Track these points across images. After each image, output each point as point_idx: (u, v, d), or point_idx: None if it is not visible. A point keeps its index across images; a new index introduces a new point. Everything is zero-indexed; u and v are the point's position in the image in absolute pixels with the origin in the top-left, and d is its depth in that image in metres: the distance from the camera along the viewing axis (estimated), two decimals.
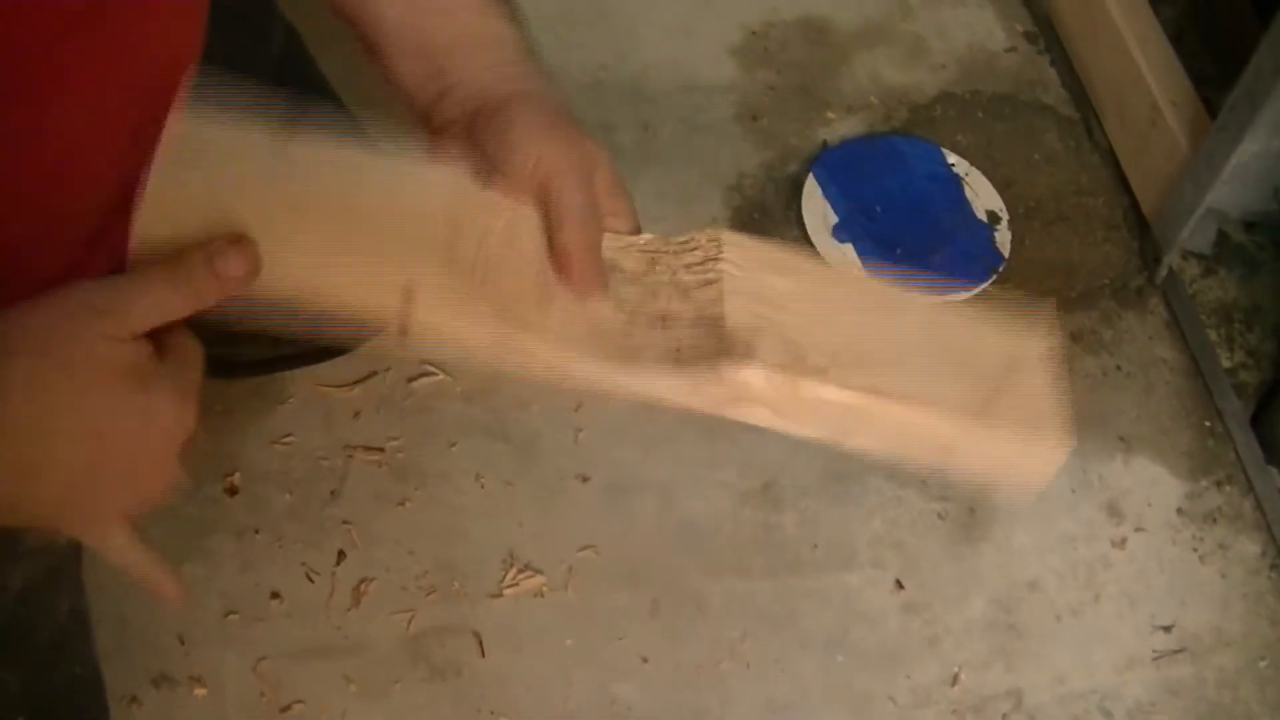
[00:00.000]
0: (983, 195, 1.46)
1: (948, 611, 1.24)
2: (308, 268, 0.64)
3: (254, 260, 0.61)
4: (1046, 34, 1.62)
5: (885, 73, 1.58)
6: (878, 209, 1.44)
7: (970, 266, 1.41)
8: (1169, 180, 1.41)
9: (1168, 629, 1.25)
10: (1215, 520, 1.32)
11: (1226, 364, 1.37)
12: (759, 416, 0.76)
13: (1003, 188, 1.47)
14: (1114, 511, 1.31)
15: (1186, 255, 1.44)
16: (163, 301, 0.60)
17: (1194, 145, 1.38)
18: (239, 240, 0.61)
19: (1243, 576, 1.29)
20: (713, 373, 0.70)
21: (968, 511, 1.29)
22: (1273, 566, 1.30)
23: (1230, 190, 1.37)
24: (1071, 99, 1.57)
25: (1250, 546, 1.31)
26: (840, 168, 1.46)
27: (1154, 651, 1.24)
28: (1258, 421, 1.35)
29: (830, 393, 0.72)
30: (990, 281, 1.40)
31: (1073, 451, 1.35)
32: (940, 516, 1.29)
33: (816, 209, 1.42)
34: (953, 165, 1.48)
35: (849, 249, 1.41)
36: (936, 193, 1.46)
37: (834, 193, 1.44)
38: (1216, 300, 1.42)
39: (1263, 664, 1.25)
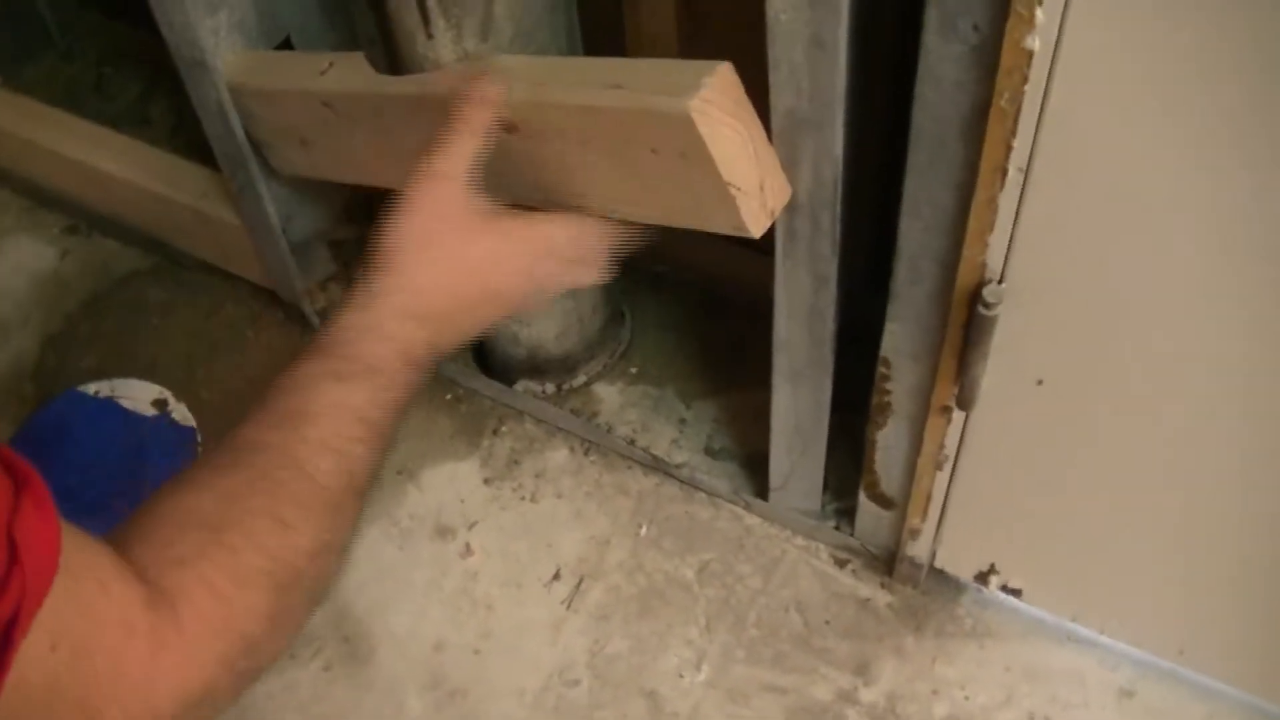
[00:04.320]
0: (139, 394, 1.41)
1: None
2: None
3: (499, 82, 0.88)
4: (80, 220, 1.58)
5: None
6: (75, 487, 1.35)
7: (177, 454, 1.36)
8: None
9: (557, 576, 1.27)
10: (518, 461, 1.34)
11: None
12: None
13: (152, 372, 1.43)
14: (443, 531, 1.31)
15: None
16: (463, 143, 0.86)
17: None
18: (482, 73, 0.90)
19: (573, 482, 1.32)
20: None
21: (342, 642, 1.26)
22: (586, 452, 1.34)
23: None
24: (148, 249, 1.54)
25: (558, 453, 1.34)
26: None
27: (563, 603, 1.26)
28: (478, 352, 1.38)
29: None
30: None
31: (368, 519, 1.33)
32: (325, 669, 1.25)
33: None
34: (96, 393, 1.41)
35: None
36: (100, 428, 1.39)
37: None
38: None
39: (643, 531, 1.29)
